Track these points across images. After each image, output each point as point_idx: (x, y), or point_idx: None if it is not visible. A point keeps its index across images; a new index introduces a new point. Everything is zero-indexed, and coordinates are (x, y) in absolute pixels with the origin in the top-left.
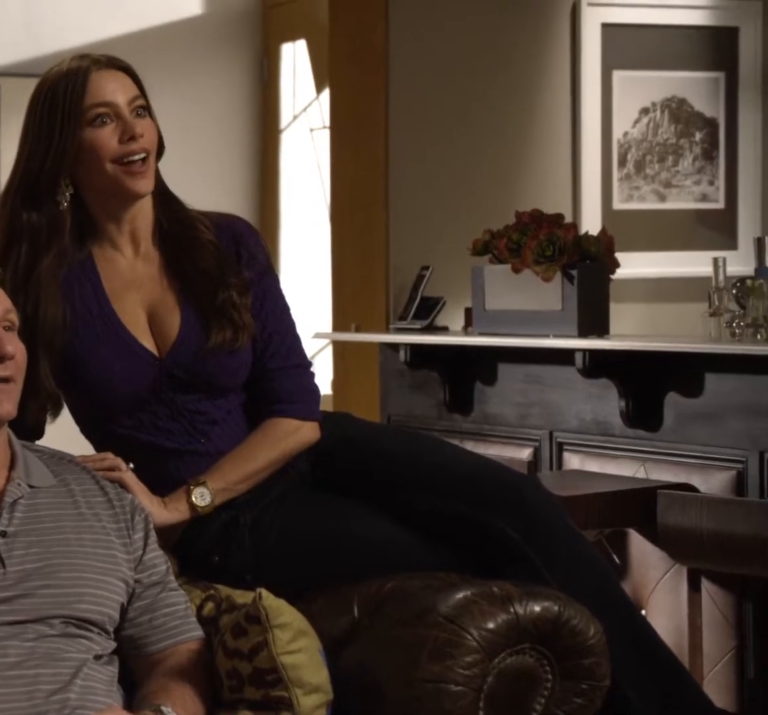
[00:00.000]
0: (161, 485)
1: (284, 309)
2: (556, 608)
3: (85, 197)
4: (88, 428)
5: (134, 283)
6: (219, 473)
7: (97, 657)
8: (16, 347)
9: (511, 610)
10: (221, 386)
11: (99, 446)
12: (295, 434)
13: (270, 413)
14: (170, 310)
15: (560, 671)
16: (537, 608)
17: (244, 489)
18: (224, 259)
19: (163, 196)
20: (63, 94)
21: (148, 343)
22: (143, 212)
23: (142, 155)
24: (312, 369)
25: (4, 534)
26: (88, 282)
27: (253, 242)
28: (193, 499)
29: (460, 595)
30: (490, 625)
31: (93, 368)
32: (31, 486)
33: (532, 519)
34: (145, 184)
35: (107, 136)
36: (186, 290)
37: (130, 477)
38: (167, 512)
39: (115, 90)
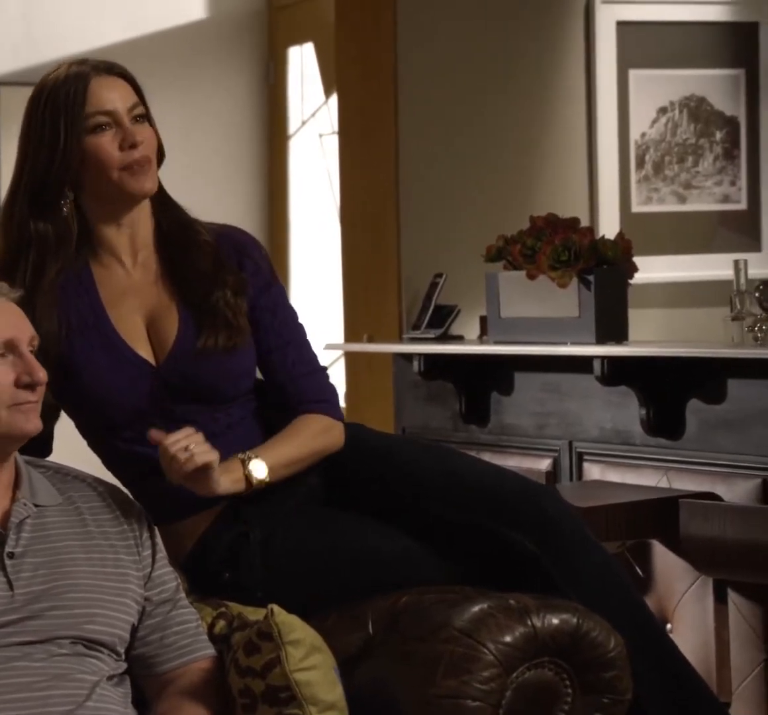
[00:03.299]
0: (161, 502)
1: (295, 316)
2: (574, 620)
3: (84, 203)
4: (92, 442)
5: (131, 291)
6: (270, 451)
7: (109, 678)
8: (44, 371)
9: (529, 623)
10: (221, 395)
11: (104, 460)
12: (329, 433)
13: (300, 412)
14: (168, 317)
15: (580, 685)
16: (555, 621)
17: (284, 475)
18: (220, 260)
19: (161, 201)
20: (64, 101)
21: (144, 352)
22: (143, 217)
23: (140, 164)
24: (328, 372)
25: (11, 555)
26: (84, 292)
27: (256, 253)
28: (250, 471)
29: (476, 608)
30: (507, 638)
31: (89, 379)
32: (37, 505)
33: (551, 532)
34: (149, 184)
35: (108, 143)
36: (183, 295)
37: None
38: (225, 481)
39: (114, 98)
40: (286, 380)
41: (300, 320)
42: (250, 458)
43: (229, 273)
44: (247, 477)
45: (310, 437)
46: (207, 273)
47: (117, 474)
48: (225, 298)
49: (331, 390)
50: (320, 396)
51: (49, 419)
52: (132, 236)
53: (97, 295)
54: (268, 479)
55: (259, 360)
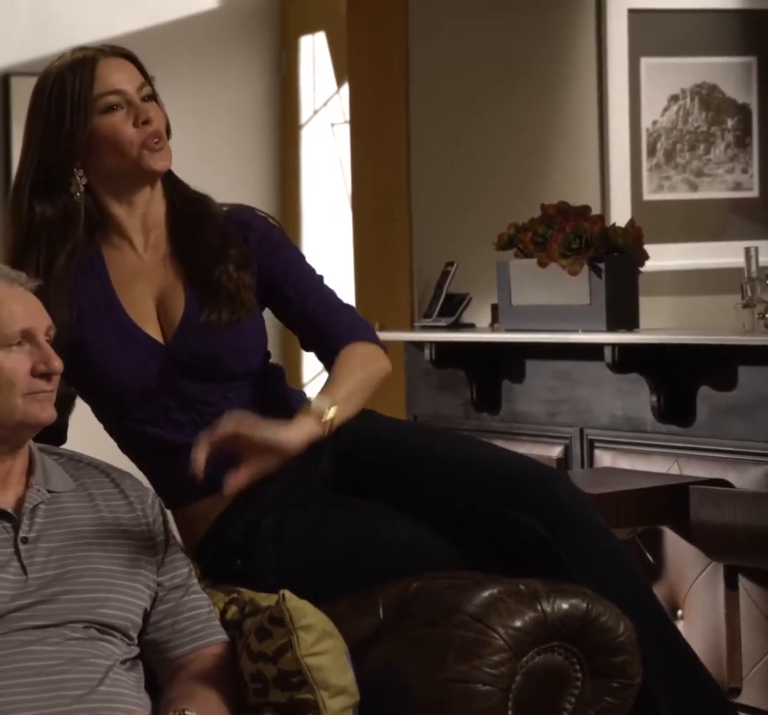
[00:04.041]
0: (173, 485)
1: (311, 269)
2: (584, 605)
3: (96, 186)
4: (108, 427)
5: (142, 272)
6: (330, 387)
7: (122, 662)
8: (59, 361)
9: (539, 608)
10: (229, 371)
11: (119, 443)
12: (374, 357)
13: (340, 346)
14: (176, 296)
15: (590, 669)
16: (565, 606)
17: (352, 410)
18: (227, 235)
19: (171, 179)
20: (71, 85)
21: (153, 331)
22: (156, 197)
23: (155, 139)
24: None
25: (25, 540)
26: (95, 276)
27: (260, 224)
28: (315, 408)
29: (486, 593)
30: (518, 623)
31: (99, 361)
32: (50, 491)
33: (562, 517)
34: (166, 161)
35: (121, 122)
36: (189, 272)
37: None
38: (296, 429)
39: (122, 78)
40: (313, 323)
41: (318, 273)
42: (310, 403)
43: (233, 247)
44: (318, 417)
45: (360, 363)
46: (213, 247)
47: (131, 457)
48: (227, 272)
49: (363, 321)
50: (353, 328)
51: (63, 410)
52: (144, 216)
53: (108, 278)
54: (339, 414)
55: (282, 316)
